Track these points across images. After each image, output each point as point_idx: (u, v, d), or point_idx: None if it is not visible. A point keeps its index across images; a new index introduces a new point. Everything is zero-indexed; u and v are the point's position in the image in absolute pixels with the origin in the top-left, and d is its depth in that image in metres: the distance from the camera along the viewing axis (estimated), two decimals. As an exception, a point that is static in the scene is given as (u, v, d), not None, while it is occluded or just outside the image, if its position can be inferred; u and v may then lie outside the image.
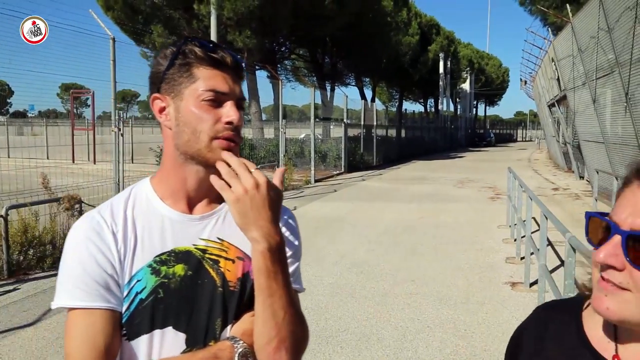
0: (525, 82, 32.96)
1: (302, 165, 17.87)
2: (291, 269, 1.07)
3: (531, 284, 5.60)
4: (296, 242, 1.14)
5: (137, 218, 1.03)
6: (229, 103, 1.02)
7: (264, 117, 27.92)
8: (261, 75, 25.27)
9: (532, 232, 5.79)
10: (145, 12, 18.98)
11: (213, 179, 0.98)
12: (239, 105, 1.04)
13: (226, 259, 1.06)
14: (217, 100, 1.01)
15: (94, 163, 18.79)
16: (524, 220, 6.28)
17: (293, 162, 16.58)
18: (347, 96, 20.42)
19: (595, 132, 12.02)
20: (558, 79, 16.87)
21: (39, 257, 6.15)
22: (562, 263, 6.44)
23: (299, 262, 1.14)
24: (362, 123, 22.35)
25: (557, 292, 3.99)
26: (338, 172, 18.97)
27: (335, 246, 7.47)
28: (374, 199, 12.42)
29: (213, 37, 16.16)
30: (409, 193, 13.71)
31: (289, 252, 1.06)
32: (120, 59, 8.08)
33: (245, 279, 1.06)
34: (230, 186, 0.96)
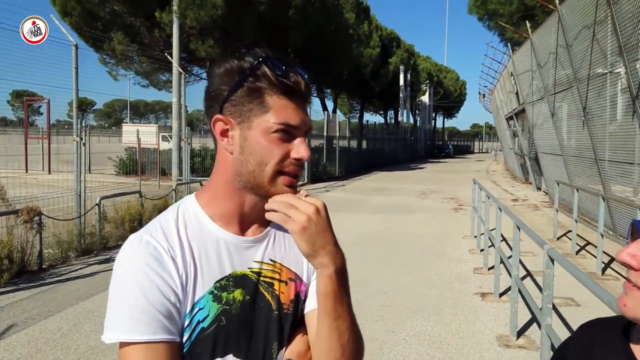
0: (484, 95, 33.84)
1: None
2: None
3: (500, 294, 5.68)
4: None
5: (192, 241, 0.98)
6: (300, 138, 0.97)
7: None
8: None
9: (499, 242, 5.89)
10: (104, 19, 18.58)
11: (269, 215, 0.95)
12: (307, 135, 1.01)
13: (280, 281, 1.04)
14: (288, 133, 0.96)
15: (49, 173, 18.14)
16: (493, 229, 6.38)
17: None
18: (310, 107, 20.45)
19: (553, 145, 12.40)
20: (517, 93, 17.38)
21: (-5, 272, 5.84)
22: (528, 273, 6.59)
23: None
24: (325, 134, 22.43)
25: (532, 302, 4.04)
26: (301, 183, 18.92)
27: (305, 258, 7.39)
28: (339, 210, 12.43)
29: (175, 45, 15.96)
30: (374, 204, 13.79)
31: None
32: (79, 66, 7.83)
33: (297, 301, 1.05)
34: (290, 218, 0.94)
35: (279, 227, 1.06)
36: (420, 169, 30.52)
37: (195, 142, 23.72)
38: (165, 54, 14.15)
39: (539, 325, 3.53)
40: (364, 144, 30.60)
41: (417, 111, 51.72)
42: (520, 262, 6.85)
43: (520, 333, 4.62)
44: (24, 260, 6.35)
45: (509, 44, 17.94)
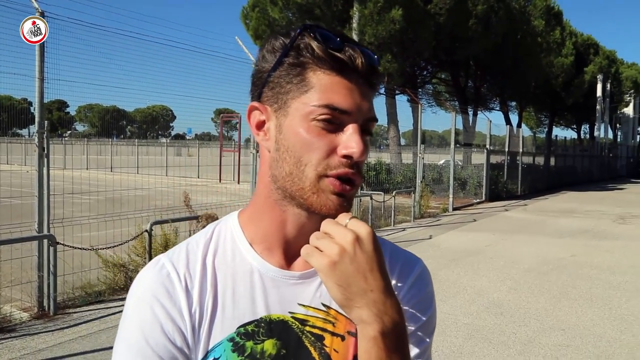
0: None
1: (439, 192, 17.24)
2: (415, 350, 0.79)
3: None
4: (426, 313, 0.83)
5: (218, 270, 0.78)
6: (352, 127, 0.72)
7: (402, 141, 27.65)
8: (401, 99, 25.09)
9: None
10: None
11: (303, 248, 0.71)
12: (366, 128, 0.75)
13: (333, 334, 0.79)
14: (335, 121, 0.72)
15: (238, 183, 19.84)
16: None
17: (430, 189, 15.99)
18: (490, 121, 19.38)
19: None
20: None
21: (177, 271, 6.40)
22: None
23: (431, 338, 0.83)
24: (507, 150, 21.05)
25: None
26: (478, 200, 17.95)
27: (473, 282, 6.86)
28: (517, 232, 11.44)
29: (353, 62, 16.33)
30: (558, 227, 12.44)
31: (415, 326, 0.80)
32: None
33: None
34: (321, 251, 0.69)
35: None
36: (619, 189, 26.97)
37: (373, 156, 24.06)
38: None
39: None
40: (552, 161, 28.13)
41: (617, 125, 46.17)
42: None
43: None
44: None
45: None
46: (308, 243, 0.75)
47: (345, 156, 0.72)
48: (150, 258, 6.07)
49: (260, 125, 0.78)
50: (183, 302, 0.75)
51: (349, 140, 0.72)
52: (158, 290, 0.75)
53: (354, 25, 16.60)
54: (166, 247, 6.35)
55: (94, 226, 6.74)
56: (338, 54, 0.72)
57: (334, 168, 0.72)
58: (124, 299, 5.75)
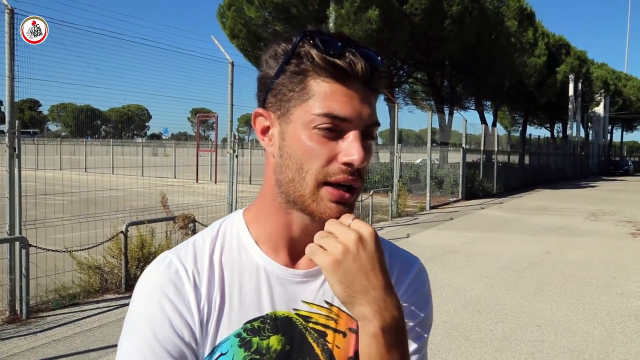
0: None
1: (417, 191, 17.36)
2: (413, 346, 0.81)
3: (687, 341, 4.71)
4: (424, 310, 0.87)
5: (225, 266, 0.80)
6: (352, 134, 0.73)
7: (379, 141, 27.81)
8: (378, 99, 25.22)
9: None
10: (267, 40, 19.76)
11: (308, 247, 0.74)
12: (368, 133, 0.75)
13: (335, 330, 0.81)
14: (335, 128, 0.73)
15: (215, 183, 19.69)
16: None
17: (408, 188, 16.10)
18: (466, 120, 19.62)
19: None
20: None
21: (154, 273, 6.31)
22: None
23: (428, 334, 0.86)
24: (482, 148, 21.32)
25: None
26: (455, 199, 18.14)
27: (450, 280, 6.93)
28: (493, 230, 11.60)
29: (330, 61, 16.34)
30: (533, 224, 12.65)
31: (413, 322, 0.82)
32: (245, 84, 8.38)
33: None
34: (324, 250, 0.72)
35: None
36: (591, 187, 27.55)
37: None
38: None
39: None
40: (526, 159, 28.59)
41: (589, 124, 47.11)
42: None
43: None
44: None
45: None
46: (312, 242, 0.76)
47: (346, 163, 0.72)
48: (127, 259, 6.01)
49: (265, 131, 0.79)
50: (192, 297, 0.76)
51: (350, 147, 0.72)
52: (166, 286, 0.76)
53: (331, 25, 16.62)
54: (142, 248, 6.27)
55: (68, 228, 6.62)
56: (337, 61, 0.72)
57: (334, 175, 0.73)
58: (99, 302, 5.64)
